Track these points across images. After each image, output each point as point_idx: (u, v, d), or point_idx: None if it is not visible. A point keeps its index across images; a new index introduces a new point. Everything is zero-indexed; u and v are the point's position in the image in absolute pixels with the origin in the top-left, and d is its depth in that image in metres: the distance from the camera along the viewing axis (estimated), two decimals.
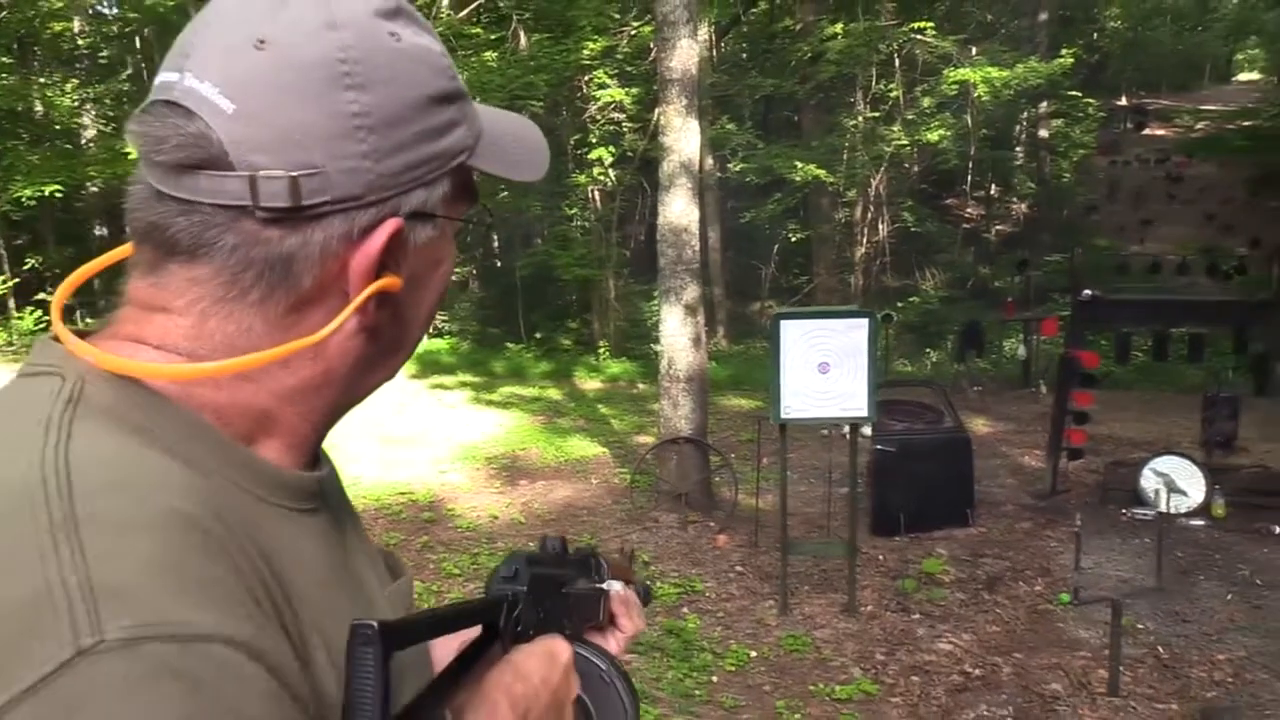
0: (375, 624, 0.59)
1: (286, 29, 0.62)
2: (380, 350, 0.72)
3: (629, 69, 16.44)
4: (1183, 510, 7.01)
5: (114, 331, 0.67)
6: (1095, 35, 33.12)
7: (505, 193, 16.70)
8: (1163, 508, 6.84)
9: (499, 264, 18.85)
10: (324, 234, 0.64)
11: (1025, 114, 23.76)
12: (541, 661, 0.76)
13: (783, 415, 5.22)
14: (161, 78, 0.64)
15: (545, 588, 0.87)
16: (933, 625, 5.37)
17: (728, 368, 14.62)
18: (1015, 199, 25.90)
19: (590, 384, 14.13)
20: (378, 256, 0.65)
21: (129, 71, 18.67)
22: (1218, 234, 22.26)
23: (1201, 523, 6.89)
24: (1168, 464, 7.22)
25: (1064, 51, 18.59)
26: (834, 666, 4.94)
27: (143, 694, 0.47)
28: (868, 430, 7.15)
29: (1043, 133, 24.29)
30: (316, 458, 0.74)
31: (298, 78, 0.61)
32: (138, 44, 18.05)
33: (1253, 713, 4.28)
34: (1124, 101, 35.92)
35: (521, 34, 16.07)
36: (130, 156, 14.93)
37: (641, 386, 13.59)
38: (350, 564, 0.75)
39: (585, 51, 14.80)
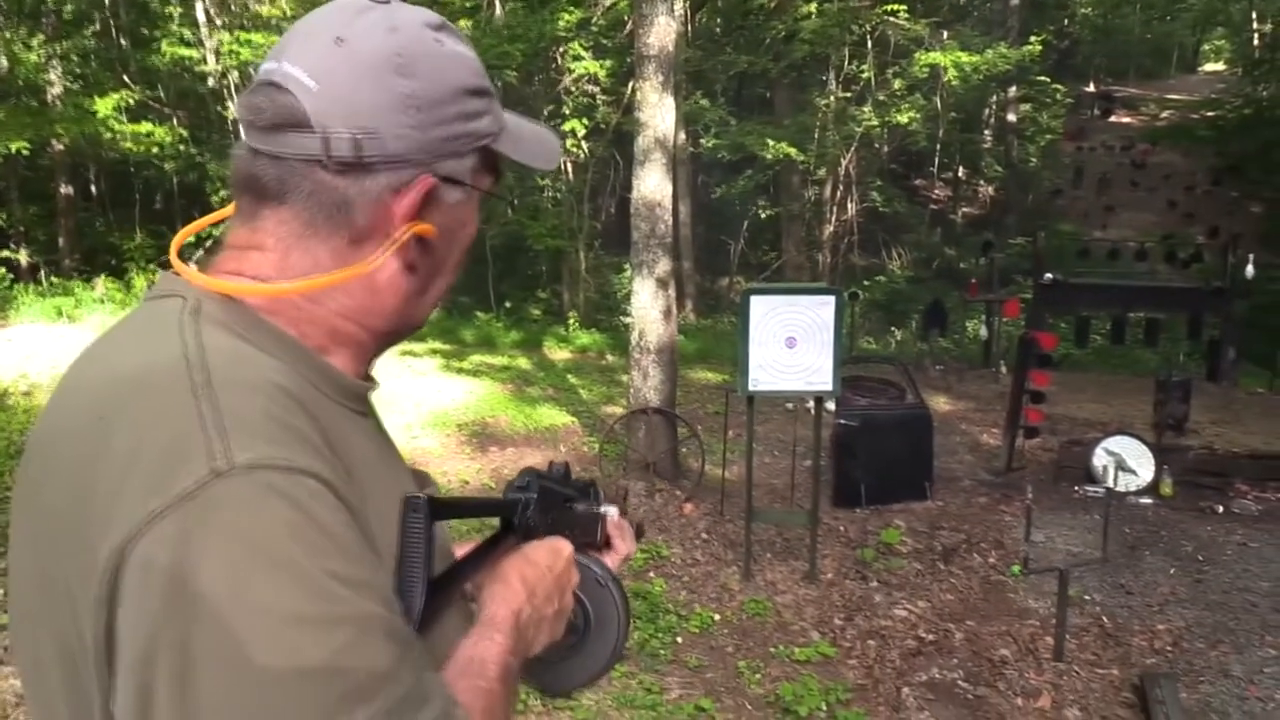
0: (424, 496, 0.81)
1: (359, 31, 0.84)
2: (417, 288, 0.91)
3: (604, 41, 16.45)
4: (1132, 489, 7.27)
5: (217, 267, 0.87)
6: (1066, 21, 33.37)
7: None
8: (1112, 485, 7.08)
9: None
10: (376, 184, 0.84)
11: (994, 98, 23.98)
12: (547, 553, 0.96)
13: (750, 387, 5.37)
14: (264, 67, 0.86)
15: (552, 499, 1.04)
16: (890, 593, 5.56)
17: (696, 341, 14.77)
18: (982, 182, 26.19)
19: (559, 354, 14.23)
20: (418, 203, 0.86)
21: (95, 28, 18.38)
22: (1179, 222, 22.65)
23: (1150, 501, 7.14)
24: (1119, 444, 7.47)
25: (1033, 38, 18.78)
26: (794, 630, 5.13)
27: (259, 504, 0.68)
28: (832, 405, 7.33)
29: (1011, 117, 24.52)
30: (369, 374, 0.95)
31: (364, 65, 0.83)
32: (105, 0, 17.78)
33: (1187, 679, 4.50)
34: (1092, 88, 36.27)
35: (498, 2, 16.03)
36: (99, 115, 14.82)
37: (610, 358, 13.72)
38: (397, 470, 0.94)
39: (561, 23, 14.80)
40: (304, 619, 0.66)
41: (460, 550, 0.99)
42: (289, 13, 14.02)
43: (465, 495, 0.98)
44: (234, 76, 16.18)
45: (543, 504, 1.01)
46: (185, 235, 0.97)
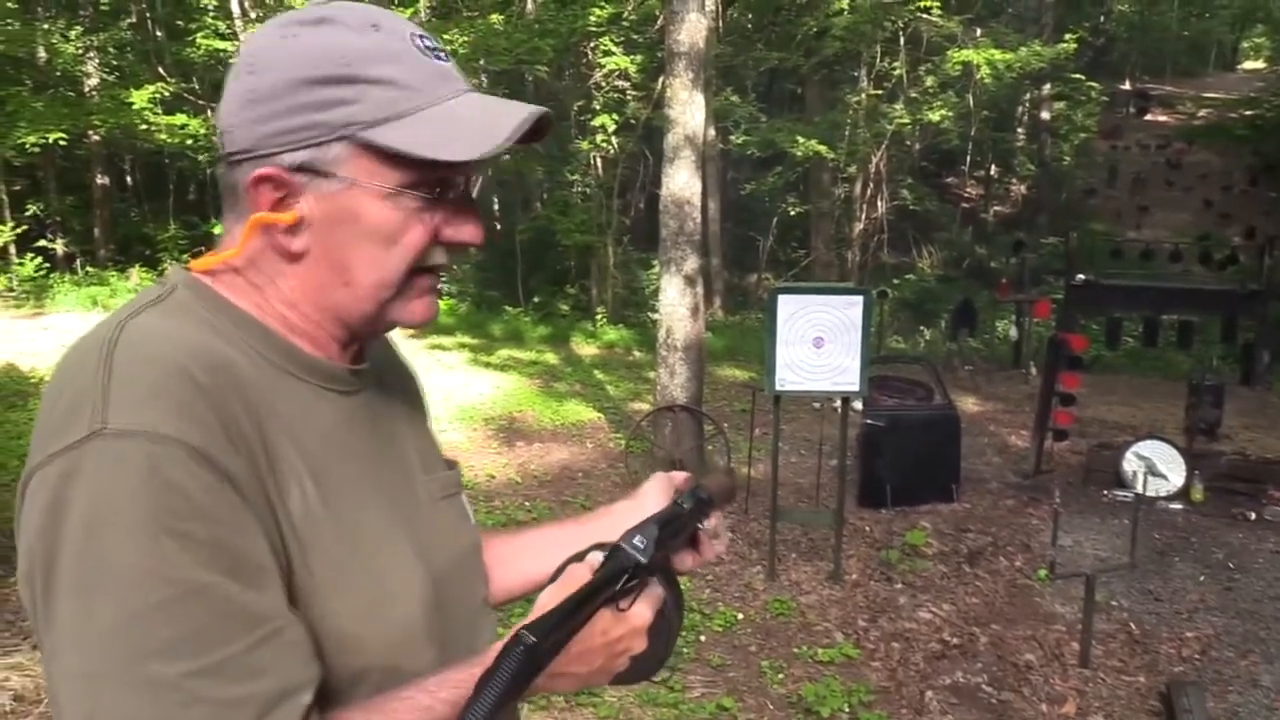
0: (535, 640, 0.79)
1: (252, 38, 0.96)
2: (329, 278, 0.95)
3: (634, 36, 16.43)
4: (1162, 494, 7.19)
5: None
6: (1102, 18, 33.00)
7: (508, 156, 16.74)
8: (1141, 490, 7.01)
9: (499, 227, 18.90)
10: (242, 174, 0.92)
11: (1028, 95, 23.76)
12: (615, 622, 0.91)
13: (777, 387, 5.36)
14: None
15: (666, 548, 0.98)
16: (914, 595, 5.54)
17: (723, 338, 14.76)
18: (1015, 180, 25.97)
19: (587, 350, 14.26)
20: (256, 193, 0.91)
21: (132, 20, 18.58)
22: (1215, 222, 22.36)
23: (1180, 506, 7.07)
24: (1150, 448, 7.40)
25: (1067, 36, 18.58)
26: (818, 631, 5.12)
27: (116, 464, 0.78)
28: (859, 405, 7.31)
29: (1045, 115, 24.28)
30: (359, 357, 1.03)
31: (234, 68, 0.94)
32: None
33: (1216, 688, 4.46)
34: (1128, 86, 35.85)
35: None
36: (134, 107, 14.98)
37: (637, 354, 13.73)
38: (388, 447, 1.03)
39: (591, 18, 14.80)
40: (134, 570, 0.77)
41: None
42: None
43: (566, 601, 0.91)
44: None
45: (654, 560, 0.93)
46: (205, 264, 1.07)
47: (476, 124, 0.92)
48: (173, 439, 0.79)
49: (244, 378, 0.88)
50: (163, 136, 15.29)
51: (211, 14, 16.40)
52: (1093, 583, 4.65)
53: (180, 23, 17.66)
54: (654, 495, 1.20)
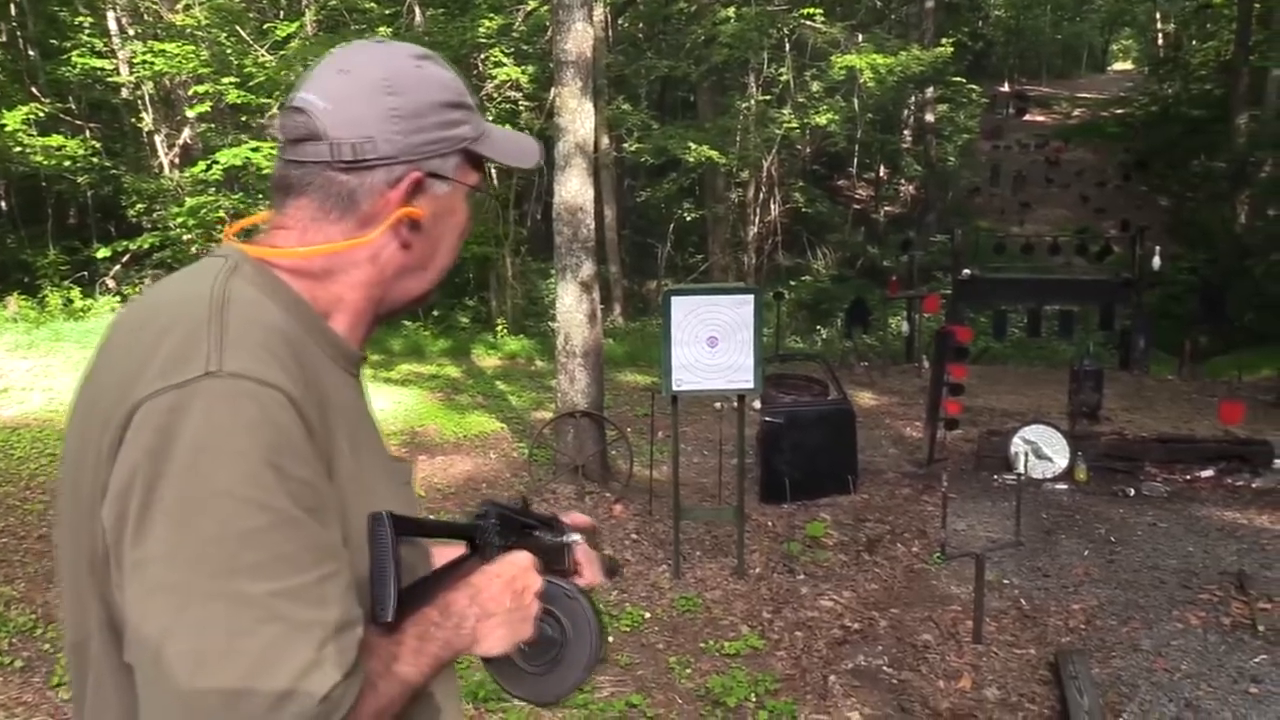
0: (385, 512, 0.97)
1: (359, 63, 1.10)
2: (414, 263, 1.15)
3: (525, 47, 16.45)
4: (1048, 475, 7.49)
5: (254, 240, 1.12)
6: (980, 23, 34.14)
7: None
8: (1025, 472, 7.29)
9: None
10: (374, 178, 1.08)
11: (912, 99, 24.45)
12: (499, 563, 1.11)
13: (673, 387, 5.44)
14: (290, 97, 1.11)
15: (511, 526, 1.17)
16: (816, 585, 5.68)
17: (625, 344, 14.83)
18: (903, 181, 26.70)
19: (489, 361, 14.20)
20: (406, 192, 1.09)
21: (2, 39, 17.89)
22: (1092, 217, 23.32)
23: (1065, 486, 7.36)
24: (1035, 433, 7.69)
25: (944, 40, 19.20)
26: (724, 625, 5.20)
27: (230, 401, 0.90)
28: (757, 403, 7.45)
29: (929, 117, 25.04)
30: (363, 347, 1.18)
31: (362, 88, 1.08)
32: (11, 10, 17.32)
33: (1100, 655, 4.67)
34: (1006, 88, 37.14)
35: (417, 9, 15.94)
36: (7, 128, 14.42)
37: (539, 363, 13.72)
38: (368, 423, 1.16)
39: (481, 29, 14.77)
40: (235, 495, 0.86)
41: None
42: (203, 21, 13.77)
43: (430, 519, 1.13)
44: (148, 87, 15.86)
45: (502, 530, 1.15)
46: (240, 226, 1.20)
47: (516, 141, 1.23)
48: (278, 387, 0.92)
49: (301, 347, 1.01)
50: (39, 159, 14.74)
51: (87, 32, 15.87)
52: (982, 563, 4.83)
53: (54, 41, 17.05)
54: None
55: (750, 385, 5.50)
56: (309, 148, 1.07)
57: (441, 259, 1.18)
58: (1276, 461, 7.51)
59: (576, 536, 1.27)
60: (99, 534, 0.92)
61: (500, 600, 1.06)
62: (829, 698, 4.44)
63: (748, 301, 5.32)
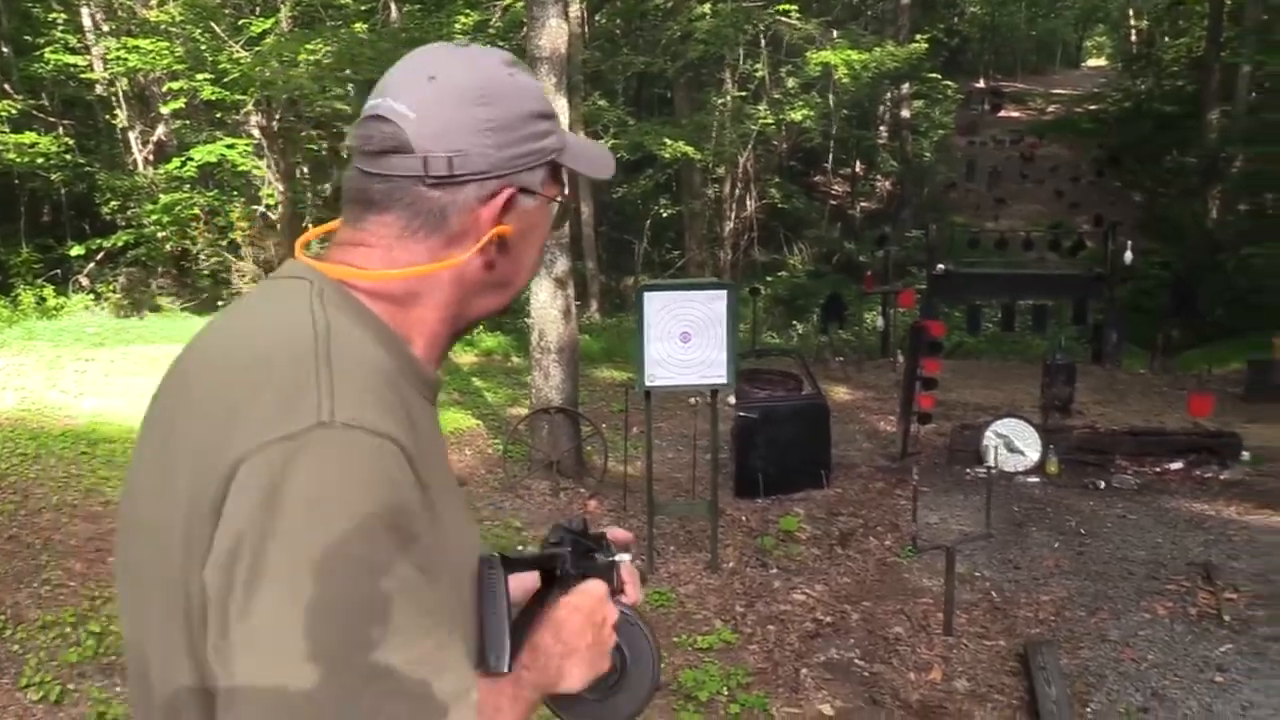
0: (498, 555, 0.97)
1: (447, 69, 1.02)
2: (496, 281, 1.08)
3: (501, 44, 16.40)
4: (1020, 469, 7.56)
5: (329, 257, 1.04)
6: (955, 19, 34.29)
7: None
8: (997, 465, 7.36)
9: None
10: (466, 195, 1.01)
11: (888, 95, 24.55)
12: (577, 594, 1.07)
13: (647, 383, 5.46)
14: (369, 104, 1.03)
15: (580, 551, 1.15)
16: (789, 579, 5.71)
17: (601, 340, 14.83)
18: (879, 177, 26.80)
19: (465, 358, 14.17)
20: (500, 210, 1.02)
21: None
22: (1066, 211, 23.49)
23: (1037, 480, 7.43)
24: (1008, 426, 7.76)
25: (919, 36, 19.29)
26: (697, 619, 5.23)
27: (345, 454, 0.84)
28: (732, 398, 7.47)
29: (905, 113, 25.14)
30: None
31: (452, 97, 1.00)
32: None
33: (1068, 645, 4.73)
34: (981, 84, 37.35)
35: (393, 5, 15.88)
36: None
37: (516, 359, 13.71)
38: (444, 454, 1.10)
39: (457, 25, 14.73)
40: (351, 560, 0.81)
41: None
42: (177, 17, 13.67)
43: (519, 554, 1.13)
44: (123, 84, 15.73)
45: (575, 557, 1.13)
46: (310, 237, 1.13)
47: (595, 151, 1.18)
48: (391, 437, 0.86)
49: (399, 383, 0.96)
50: (11, 156, 14.59)
51: (61, 28, 15.72)
52: (953, 555, 4.88)
53: (28, 38, 16.88)
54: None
55: (724, 380, 5.52)
56: (396, 161, 0.98)
57: (523, 275, 1.12)
58: (1244, 453, 7.61)
59: (626, 556, 1.24)
60: (195, 592, 0.85)
61: (582, 635, 1.04)
62: (801, 690, 4.47)
63: (721, 297, 5.35)
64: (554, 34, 7.09)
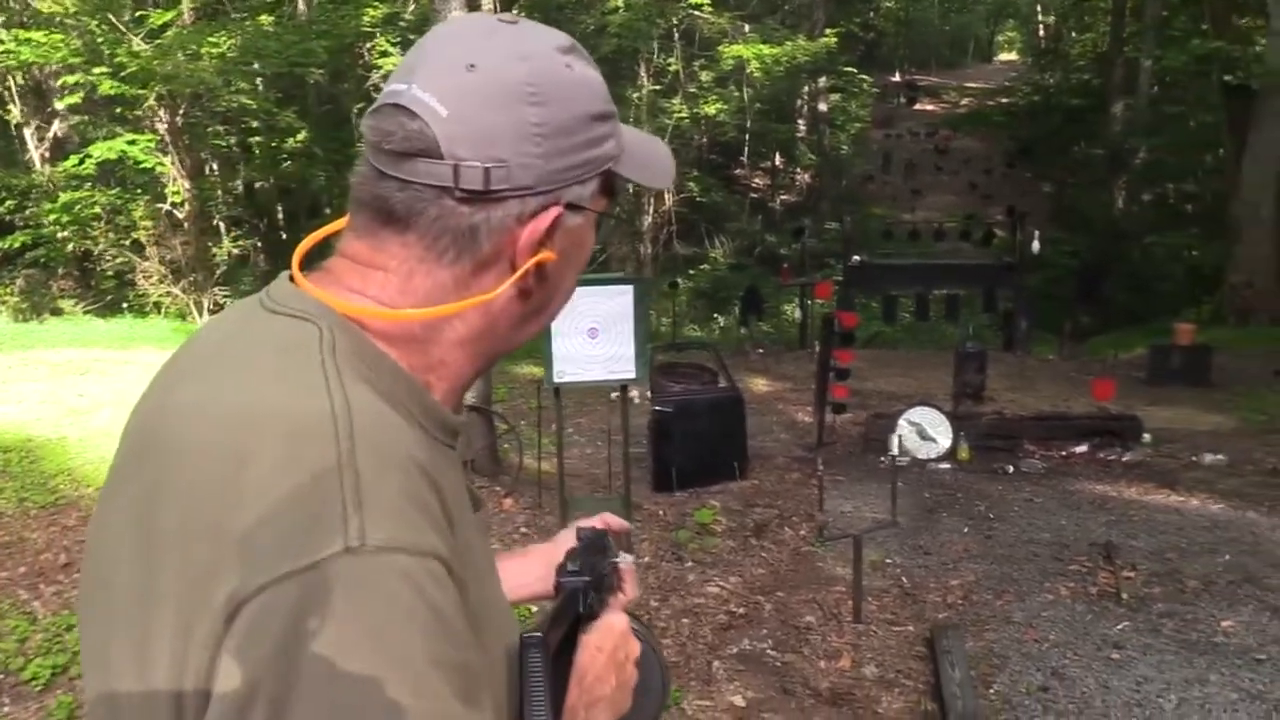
0: (540, 636, 0.83)
1: (490, 56, 0.83)
2: (531, 310, 0.91)
3: (412, 37, 16.19)
4: (932, 456, 7.68)
5: (337, 280, 0.86)
6: (871, 14, 34.79)
7: (289, 162, 16.20)
8: (910, 453, 7.46)
9: (284, 237, 18.26)
10: (503, 212, 0.83)
11: (806, 89, 24.80)
12: (598, 634, 0.96)
13: (555, 379, 5.42)
14: (391, 87, 0.84)
15: (595, 573, 1.04)
16: (703, 571, 5.71)
17: None
18: (798, 169, 27.09)
19: None
20: (543, 234, 0.85)
21: None
22: (979, 202, 24.02)
23: (948, 466, 7.55)
24: (920, 414, 7.87)
25: (829, 31, 19.52)
26: None
27: (386, 586, 0.69)
28: (648, 392, 7.46)
29: (823, 106, 25.44)
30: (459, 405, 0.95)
31: (496, 93, 0.81)
32: None
33: (975, 629, 4.80)
34: (897, 78, 37.94)
35: None
36: None
37: None
38: (465, 490, 0.94)
39: (365, 18, 14.49)
40: (397, 710, 0.67)
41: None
42: (71, 9, 13.21)
43: (549, 609, 0.99)
44: (15, 78, 15.17)
45: (594, 582, 1.02)
46: (308, 246, 0.94)
47: (653, 154, 0.97)
48: (431, 553, 0.72)
49: (428, 459, 0.79)
50: None
51: None
52: (859, 543, 4.92)
53: None
54: (567, 538, 1.21)
55: (632, 375, 5.49)
56: (422, 166, 0.81)
57: (559, 301, 0.94)
58: (1145, 435, 7.83)
59: (629, 559, 1.16)
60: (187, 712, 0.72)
61: (606, 680, 0.95)
62: (713, 683, 4.47)
63: (626, 291, 5.32)
64: None
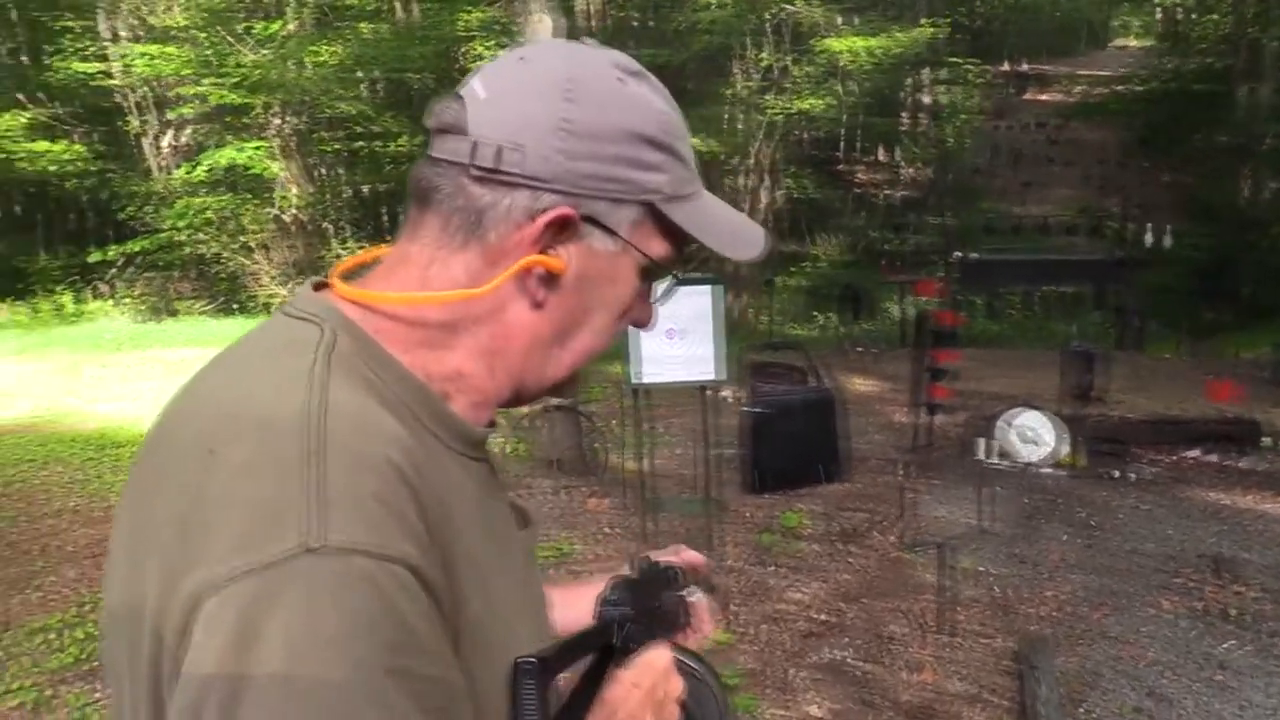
0: (535, 659, 0.79)
1: (544, 54, 0.87)
2: (551, 335, 0.87)
3: (505, 41, 16.38)
4: (1036, 459, 7.39)
5: (368, 280, 0.87)
6: (978, 2, 33.89)
7: (393, 166, 16.53)
8: (1011, 457, 7.20)
9: (390, 240, 18.65)
10: (512, 200, 0.81)
11: (909, 81, 24.28)
12: (637, 670, 0.90)
13: (634, 380, 5.38)
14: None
15: (644, 605, 1.00)
16: (788, 576, 5.60)
17: None
18: (904, 163, 26.54)
19: None
20: (542, 230, 0.82)
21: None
22: (1093, 195, 23.15)
23: (1052, 470, 7.27)
24: (1024, 417, 7.59)
25: (923, 21, 19.06)
26: None
27: (344, 589, 0.66)
28: (739, 392, 7.36)
29: (927, 99, 24.86)
30: (492, 420, 0.91)
31: (535, 82, 0.83)
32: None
33: (1067, 643, 4.59)
34: (1006, 67, 36.84)
35: (398, 5, 15.86)
36: None
37: None
38: (498, 507, 0.91)
39: (460, 23, 14.69)
40: (345, 715, 0.64)
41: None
42: (183, 22, 13.74)
43: (567, 636, 0.93)
44: (137, 91, 15.84)
45: (637, 614, 0.97)
46: (349, 265, 0.92)
47: (731, 222, 0.93)
48: (399, 560, 0.68)
49: (421, 465, 0.76)
50: (24, 164, 14.73)
51: (71, 36, 15.86)
52: (944, 551, 4.76)
53: (46, 46, 17.06)
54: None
55: (713, 376, 5.42)
56: (449, 142, 0.82)
57: (586, 339, 0.89)
58: (1264, 440, 7.41)
59: (699, 596, 1.12)
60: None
61: (640, 718, 0.88)
62: (790, 692, 4.37)
63: (704, 292, 5.24)
64: (538, 28, 7.03)
